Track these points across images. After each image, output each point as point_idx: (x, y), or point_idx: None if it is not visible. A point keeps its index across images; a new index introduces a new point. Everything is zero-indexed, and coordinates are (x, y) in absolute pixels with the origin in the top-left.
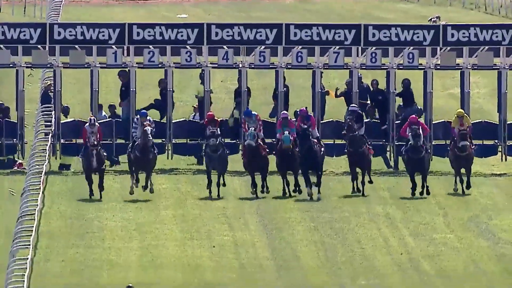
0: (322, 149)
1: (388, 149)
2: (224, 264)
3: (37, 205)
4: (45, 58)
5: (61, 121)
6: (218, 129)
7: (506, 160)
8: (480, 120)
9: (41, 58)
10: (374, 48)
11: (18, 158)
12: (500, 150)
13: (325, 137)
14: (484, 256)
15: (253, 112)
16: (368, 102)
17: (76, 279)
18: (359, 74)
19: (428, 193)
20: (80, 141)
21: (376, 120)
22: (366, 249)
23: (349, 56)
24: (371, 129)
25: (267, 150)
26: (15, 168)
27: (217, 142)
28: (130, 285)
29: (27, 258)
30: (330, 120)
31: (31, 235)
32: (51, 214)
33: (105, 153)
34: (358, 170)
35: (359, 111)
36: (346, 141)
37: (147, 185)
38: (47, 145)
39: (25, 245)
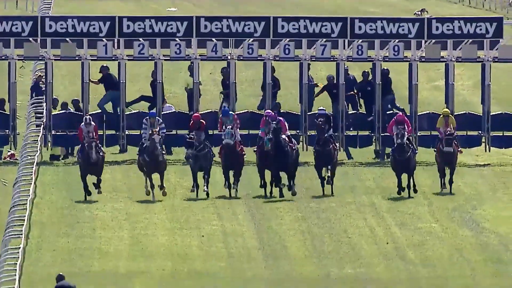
0: (295, 147)
1: (373, 140)
2: (213, 253)
3: (29, 195)
4: (37, 51)
5: (52, 113)
6: (202, 133)
7: (489, 150)
8: (464, 112)
9: (32, 51)
10: (360, 40)
11: (11, 149)
12: (484, 141)
13: (312, 128)
14: (468, 245)
15: (230, 112)
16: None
17: (67, 267)
18: (345, 66)
19: (415, 191)
20: (71, 132)
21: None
22: (352, 239)
23: (336, 48)
24: (359, 120)
25: (244, 151)
26: (8, 158)
27: (194, 150)
28: (61, 274)
29: (19, 247)
30: (315, 112)
31: (23, 224)
32: (42, 204)
33: (102, 153)
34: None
35: (328, 113)
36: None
37: (162, 185)
38: (38, 136)
39: (17, 234)
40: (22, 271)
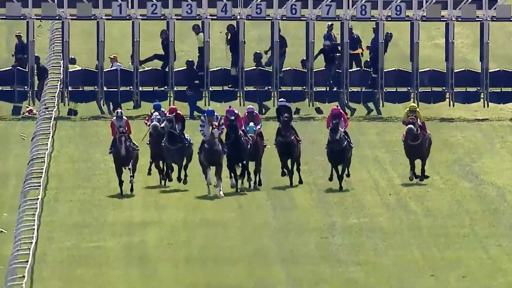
0: (250, 141)
1: (377, 96)
2: (223, 204)
3: (47, 149)
4: (54, 11)
5: (69, 70)
6: (179, 123)
7: (488, 106)
8: (463, 69)
9: (50, 10)
10: (364, 1)
11: (29, 105)
12: (483, 96)
13: (318, 85)
14: (467, 197)
15: (162, 109)
16: (359, 51)
17: (83, 218)
18: (349, 25)
19: (348, 175)
20: (88, 88)
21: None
22: (356, 190)
23: (341, 8)
24: (364, 78)
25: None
26: (26, 114)
27: (172, 132)
28: None
29: (38, 199)
30: (322, 68)
31: (41, 176)
32: (60, 157)
33: (136, 148)
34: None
35: (287, 104)
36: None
37: (220, 178)
38: (56, 92)
39: (35, 186)
40: (40, 221)
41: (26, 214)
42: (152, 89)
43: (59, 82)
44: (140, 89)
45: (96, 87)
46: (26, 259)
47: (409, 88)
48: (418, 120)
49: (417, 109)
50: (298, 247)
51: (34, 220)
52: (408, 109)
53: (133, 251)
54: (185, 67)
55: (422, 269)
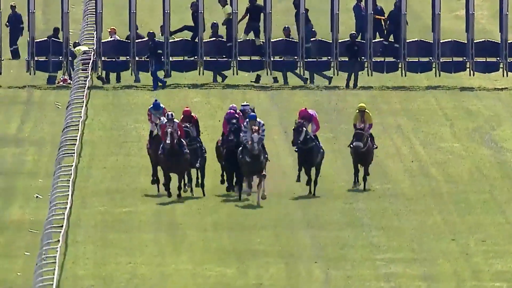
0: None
1: (400, 66)
2: None
3: (81, 116)
4: None
5: (102, 40)
6: (193, 127)
7: (507, 75)
8: (483, 40)
9: None
10: None
11: (64, 74)
12: (502, 66)
13: (342, 55)
14: (487, 163)
15: (161, 105)
16: (382, 18)
17: (116, 183)
18: None
19: (315, 183)
20: (121, 58)
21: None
22: (379, 157)
23: None
24: (386, 48)
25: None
26: (61, 83)
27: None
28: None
29: (72, 165)
30: (347, 39)
31: (75, 144)
32: (93, 125)
33: (184, 149)
34: None
35: (251, 108)
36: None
37: (260, 184)
38: (89, 62)
39: (70, 153)
40: (75, 187)
41: (60, 180)
42: (182, 59)
43: (93, 52)
44: (171, 59)
45: (128, 57)
46: (61, 223)
47: (430, 58)
48: (367, 122)
49: (366, 110)
50: (322, 213)
51: (69, 186)
52: (357, 110)
53: (163, 217)
54: (148, 39)
55: (443, 233)
